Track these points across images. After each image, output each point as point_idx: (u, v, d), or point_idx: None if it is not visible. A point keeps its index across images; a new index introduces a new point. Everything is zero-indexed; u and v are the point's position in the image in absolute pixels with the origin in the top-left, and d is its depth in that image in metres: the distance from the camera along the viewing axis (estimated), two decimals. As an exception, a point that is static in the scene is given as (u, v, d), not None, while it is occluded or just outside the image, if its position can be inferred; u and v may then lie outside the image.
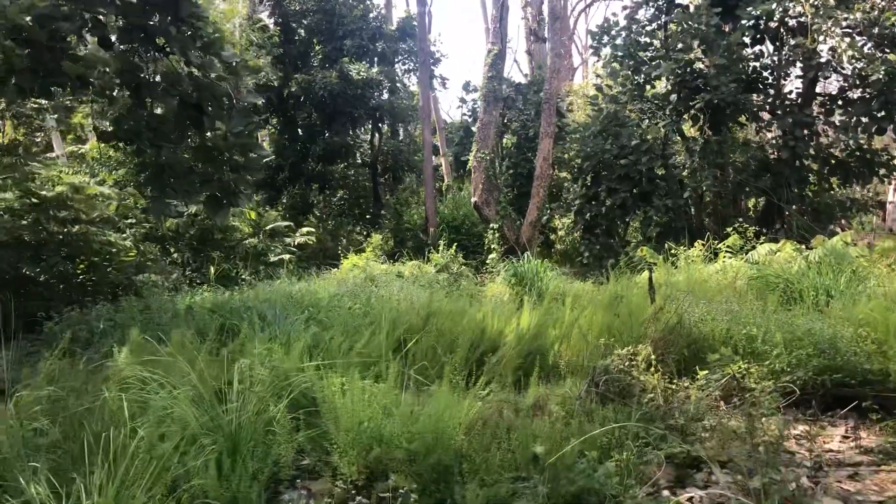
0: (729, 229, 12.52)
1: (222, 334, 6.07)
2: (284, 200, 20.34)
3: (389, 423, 3.75)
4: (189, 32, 7.89)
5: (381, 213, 22.71)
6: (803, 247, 11.53)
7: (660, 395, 4.84)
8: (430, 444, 3.58)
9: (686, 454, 4.11)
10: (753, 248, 12.10)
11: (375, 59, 20.41)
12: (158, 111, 8.15)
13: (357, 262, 11.59)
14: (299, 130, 20.09)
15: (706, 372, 4.93)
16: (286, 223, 12.97)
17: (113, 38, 7.56)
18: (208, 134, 8.34)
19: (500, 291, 10.66)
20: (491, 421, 4.44)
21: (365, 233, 23.31)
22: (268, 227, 12.41)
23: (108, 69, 7.54)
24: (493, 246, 14.73)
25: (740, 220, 14.92)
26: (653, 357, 5.09)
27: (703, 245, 12.10)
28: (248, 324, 6.15)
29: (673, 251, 12.18)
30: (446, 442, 3.79)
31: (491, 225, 14.85)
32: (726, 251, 12.03)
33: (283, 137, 20.25)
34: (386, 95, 23.92)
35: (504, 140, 21.52)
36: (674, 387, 4.97)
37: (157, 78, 8.07)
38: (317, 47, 20.18)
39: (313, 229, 13.69)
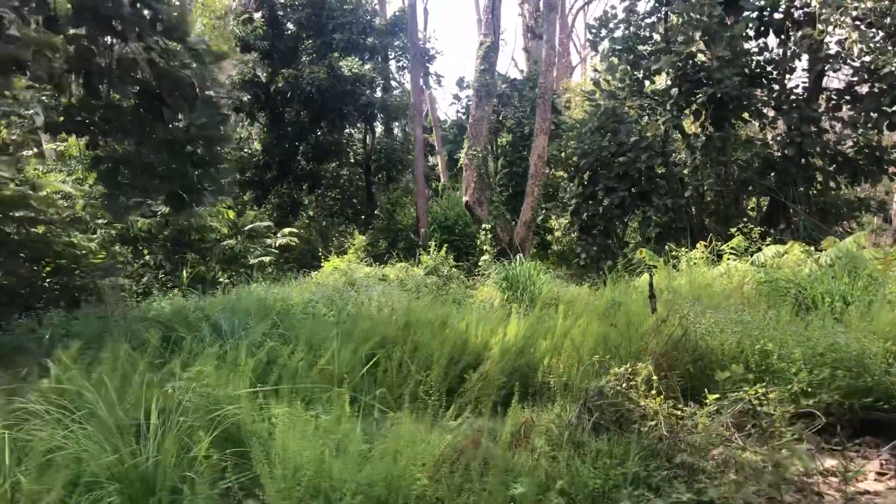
0: (733, 230, 11.86)
1: (168, 348, 5.38)
2: (274, 200, 19.64)
3: (334, 467, 3.07)
4: (148, 14, 7.23)
5: (374, 213, 22.03)
6: (812, 248, 10.88)
7: (663, 424, 4.16)
8: (381, 495, 2.90)
9: (696, 500, 3.43)
10: (759, 249, 11.44)
11: (366, 54, 19.71)
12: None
13: (339, 265, 10.91)
14: (288, 128, 19.40)
15: (716, 397, 4.26)
16: (266, 223, 12.29)
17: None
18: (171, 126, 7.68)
19: (491, 296, 9.99)
20: (465, 456, 3.77)
21: (359, 233, 22.64)
22: (246, 228, 11.73)
23: (56, 53, 6.86)
24: (485, 247, 14.05)
25: (744, 220, 14.27)
26: (654, 378, 4.41)
27: (705, 246, 11.43)
28: (198, 337, 5.48)
29: (674, 253, 11.51)
30: (405, 489, 3.11)
31: (483, 225, 14.18)
32: (730, 253, 11.37)
33: (271, 135, 19.56)
34: (379, 93, 23.27)
35: (499, 138, 20.86)
36: (679, 413, 4.30)
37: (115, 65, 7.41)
38: (306, 42, 19.50)
39: (295, 230, 13.00)
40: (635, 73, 15.56)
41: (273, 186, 19.64)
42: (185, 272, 10.46)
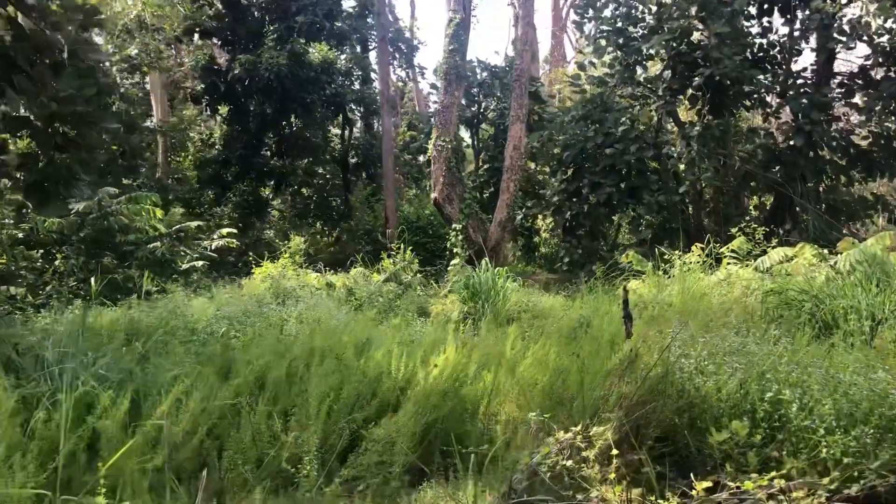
0: (734, 230, 10.36)
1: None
2: (234, 198, 18.08)
3: None
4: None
5: (353, 213, 20.52)
6: (825, 251, 9.39)
7: (625, 530, 2.66)
8: None
9: None
10: (763, 252, 9.98)
11: (333, 40, 18.18)
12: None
13: (272, 272, 9.38)
14: (251, 120, 17.88)
15: (707, 485, 2.75)
16: (197, 223, 10.76)
17: None
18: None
19: (449, 308, 8.49)
20: None
21: (334, 235, 21.14)
22: (172, 229, 10.23)
23: None
24: (456, 250, 12.55)
25: (746, 219, 12.78)
26: (614, 454, 2.91)
27: (702, 249, 9.91)
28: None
29: (666, 256, 10.00)
30: None
31: (454, 225, 12.68)
32: (730, 257, 9.87)
33: (232, 128, 18.05)
34: (357, 85, 21.80)
35: (479, 131, 19.39)
36: (651, 508, 2.80)
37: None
38: (270, 27, 18.01)
39: (235, 231, 11.47)
40: (626, 58, 14.05)
41: (234, 184, 18.12)
42: (94, 280, 8.95)
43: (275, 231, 20.62)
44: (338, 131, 23.49)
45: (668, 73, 12.21)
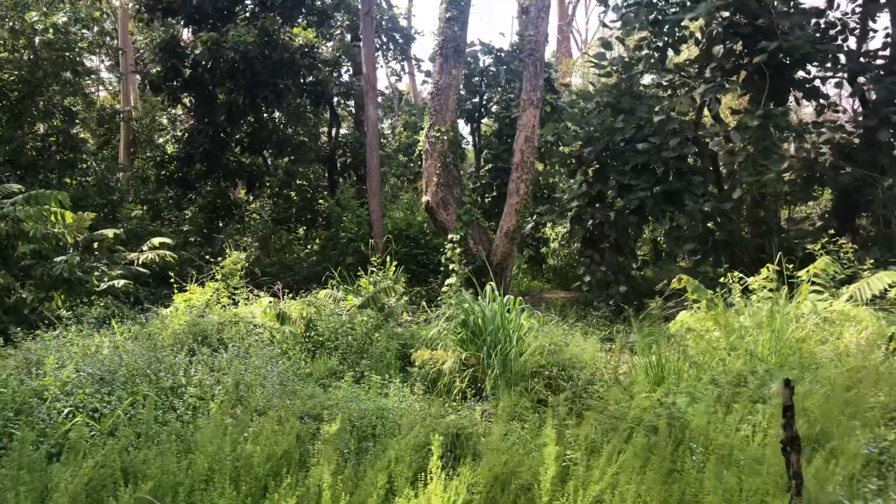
0: (815, 248, 7.96)
1: None
2: (199, 200, 15.64)
3: None
4: None
5: (339, 217, 18.10)
6: (946, 278, 7.03)
7: None
8: None
9: None
10: (851, 278, 7.66)
11: (313, 17, 15.80)
12: None
13: (193, 299, 6.90)
14: (220, 111, 15.46)
15: None
16: (113, 230, 8.33)
17: None
18: None
19: (440, 357, 6.05)
20: None
21: (317, 243, 18.78)
22: (81, 238, 7.80)
23: None
24: (452, 266, 10.15)
25: (790, 230, 10.47)
26: None
27: (774, 272, 7.49)
28: None
29: (724, 279, 7.61)
30: None
31: (450, 236, 10.28)
32: (812, 283, 7.47)
33: (201, 120, 15.64)
34: (347, 76, 19.51)
35: (482, 126, 17.00)
36: None
37: None
38: (244, 2, 15.68)
39: (168, 241, 9.01)
40: (655, 39, 11.68)
41: (198, 183, 15.69)
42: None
43: (253, 238, 18.21)
44: (325, 128, 21.19)
45: (718, 49, 9.79)
